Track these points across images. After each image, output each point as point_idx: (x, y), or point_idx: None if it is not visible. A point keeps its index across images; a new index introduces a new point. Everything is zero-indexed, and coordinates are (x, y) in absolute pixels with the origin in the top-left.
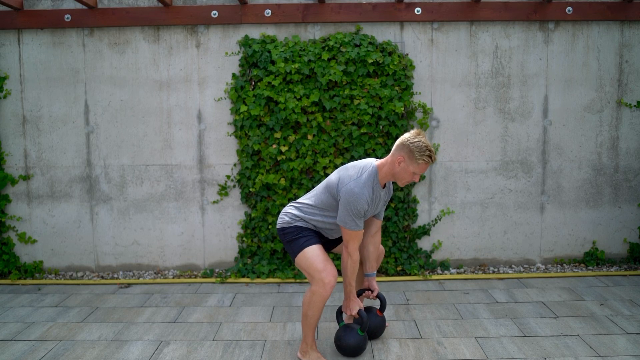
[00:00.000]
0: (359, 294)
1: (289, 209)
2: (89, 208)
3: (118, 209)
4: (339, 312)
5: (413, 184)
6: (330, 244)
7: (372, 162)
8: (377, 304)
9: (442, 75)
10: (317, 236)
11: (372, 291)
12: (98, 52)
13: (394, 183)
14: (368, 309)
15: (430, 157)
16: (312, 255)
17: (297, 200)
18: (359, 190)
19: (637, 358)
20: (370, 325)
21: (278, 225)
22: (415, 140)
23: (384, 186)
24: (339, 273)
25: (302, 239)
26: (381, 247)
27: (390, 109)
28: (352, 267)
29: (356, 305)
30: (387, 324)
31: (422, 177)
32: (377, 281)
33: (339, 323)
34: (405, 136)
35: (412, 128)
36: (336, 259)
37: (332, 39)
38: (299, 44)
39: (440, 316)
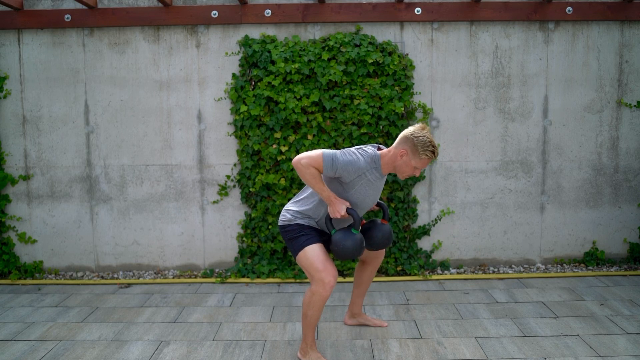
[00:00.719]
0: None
1: (291, 206)
2: (89, 208)
3: (118, 209)
4: (328, 220)
5: (413, 184)
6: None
7: (374, 148)
8: (379, 218)
9: (442, 75)
10: (319, 235)
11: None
12: (98, 52)
13: (393, 183)
14: (372, 221)
15: (433, 152)
16: (313, 254)
17: (297, 195)
18: (359, 156)
19: (637, 358)
20: (378, 236)
21: (280, 223)
22: (420, 134)
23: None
24: (339, 273)
25: (302, 237)
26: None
27: (391, 109)
28: (311, 173)
29: (342, 205)
30: (386, 324)
31: (422, 177)
32: (377, 281)
33: (330, 231)
34: (410, 130)
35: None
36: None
37: (332, 39)
38: (299, 44)
39: (440, 316)
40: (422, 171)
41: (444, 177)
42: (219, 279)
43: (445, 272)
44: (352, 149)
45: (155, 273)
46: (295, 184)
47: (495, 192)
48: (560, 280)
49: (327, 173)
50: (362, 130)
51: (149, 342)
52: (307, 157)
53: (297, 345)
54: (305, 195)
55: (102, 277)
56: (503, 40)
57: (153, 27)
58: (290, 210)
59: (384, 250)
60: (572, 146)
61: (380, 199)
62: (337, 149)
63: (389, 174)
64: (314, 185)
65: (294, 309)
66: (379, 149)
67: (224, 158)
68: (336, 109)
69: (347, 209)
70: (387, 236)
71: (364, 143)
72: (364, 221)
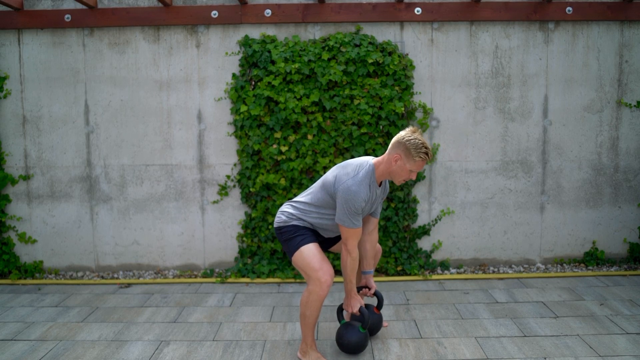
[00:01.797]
0: (356, 291)
1: (286, 207)
2: (89, 208)
3: (118, 209)
4: (340, 310)
5: (413, 184)
6: (328, 243)
7: (368, 160)
8: (374, 303)
9: (442, 75)
10: (314, 235)
11: (370, 289)
12: (98, 52)
13: (393, 183)
14: (365, 306)
15: (426, 154)
16: (309, 254)
17: (294, 199)
18: (356, 188)
19: (637, 358)
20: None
21: (275, 224)
22: (412, 137)
23: (380, 184)
24: (336, 272)
25: (298, 237)
26: (378, 245)
27: (391, 109)
28: (352, 265)
29: (357, 303)
30: (386, 324)
31: (422, 177)
32: (377, 281)
33: (339, 321)
34: (401, 134)
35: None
36: (336, 258)
37: (332, 39)
38: (299, 44)
39: (440, 316)
40: (422, 171)
41: (444, 177)
42: (219, 279)
43: (445, 272)
44: (347, 181)
45: (155, 273)
46: (295, 184)
47: (495, 192)
48: (560, 280)
49: (361, 224)
50: (362, 130)
51: (149, 342)
52: (351, 242)
53: (297, 345)
54: (302, 200)
55: (102, 277)
56: (503, 40)
57: (153, 27)
58: (286, 212)
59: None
60: (572, 146)
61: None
62: (337, 149)
63: None
64: (349, 276)
65: (294, 309)
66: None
67: (224, 158)
68: (336, 109)
69: (360, 307)
70: (375, 325)
71: (363, 143)
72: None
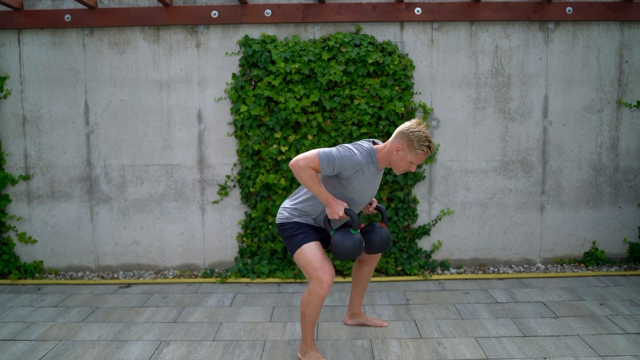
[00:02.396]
0: (359, 211)
1: (288, 203)
2: (89, 208)
3: (118, 209)
4: (327, 220)
5: (413, 184)
6: (329, 241)
7: (370, 143)
8: (377, 221)
9: (442, 75)
10: (316, 232)
11: (370, 204)
12: (98, 52)
13: (393, 183)
14: (370, 224)
15: (429, 147)
16: (310, 253)
17: (294, 193)
18: (356, 150)
19: (637, 358)
20: (377, 239)
21: (277, 221)
22: (416, 129)
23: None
24: (337, 272)
25: (300, 235)
26: None
27: (391, 109)
28: (309, 175)
29: (340, 206)
30: (386, 324)
31: (422, 177)
32: (377, 281)
33: (329, 232)
34: (406, 125)
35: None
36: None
37: (332, 39)
38: (299, 44)
39: (440, 316)
40: (422, 171)
41: (444, 177)
42: (219, 279)
43: (445, 272)
44: (348, 144)
45: (155, 273)
46: (295, 183)
47: (495, 192)
48: (560, 280)
49: (326, 172)
50: (362, 130)
51: (149, 342)
52: (303, 159)
53: (297, 345)
54: (302, 192)
55: (102, 277)
56: (503, 40)
57: (153, 27)
58: (288, 208)
59: None
60: (572, 146)
61: (380, 201)
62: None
63: (390, 174)
64: (312, 187)
65: (294, 309)
66: (375, 143)
67: (224, 158)
68: (336, 109)
69: (345, 209)
70: (385, 239)
71: None
72: (362, 225)
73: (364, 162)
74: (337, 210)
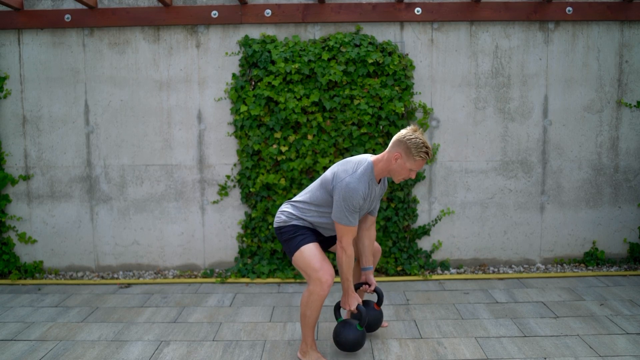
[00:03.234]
0: (356, 288)
1: (286, 207)
2: (89, 208)
3: (118, 209)
4: (337, 308)
5: (413, 184)
6: (328, 243)
7: (367, 157)
8: (374, 301)
9: (442, 75)
10: (314, 234)
11: (370, 285)
12: (98, 52)
13: (392, 183)
14: (365, 303)
15: (427, 153)
16: (309, 254)
17: (293, 199)
18: (355, 185)
19: (637, 358)
20: (367, 319)
21: (275, 225)
22: (413, 137)
23: (379, 182)
24: (336, 272)
25: (298, 237)
26: (378, 245)
27: (391, 109)
28: (347, 262)
29: (355, 300)
30: (386, 324)
31: (422, 177)
32: (378, 280)
33: (337, 319)
34: (402, 132)
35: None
36: (336, 257)
37: (332, 39)
38: (299, 44)
39: (440, 316)
40: (422, 171)
41: (444, 177)
42: (219, 279)
43: (445, 272)
44: (346, 179)
45: (155, 273)
46: (295, 183)
47: (495, 192)
48: (560, 280)
49: (357, 222)
50: (362, 130)
51: (149, 342)
52: (345, 239)
53: (297, 345)
54: (302, 199)
55: (102, 277)
56: (503, 40)
57: (153, 27)
58: (285, 211)
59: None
60: (572, 146)
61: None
62: (337, 149)
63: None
64: (345, 273)
65: (294, 309)
66: (373, 152)
67: (224, 158)
68: (336, 109)
69: (358, 305)
70: (375, 322)
71: (363, 143)
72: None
73: (366, 188)
74: (351, 303)
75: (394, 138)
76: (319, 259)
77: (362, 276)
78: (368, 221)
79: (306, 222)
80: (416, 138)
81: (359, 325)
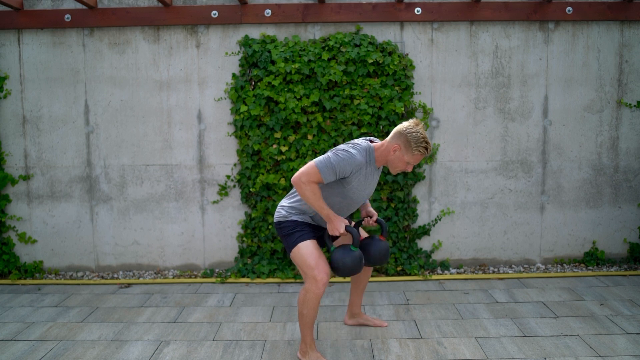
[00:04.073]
0: (358, 224)
1: (285, 201)
2: (89, 208)
3: (118, 209)
4: (327, 237)
5: (413, 184)
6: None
7: (367, 142)
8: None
9: (442, 75)
10: (313, 231)
11: (371, 217)
12: (98, 52)
13: (393, 182)
14: (370, 237)
15: (426, 148)
16: (306, 251)
17: (292, 192)
18: (354, 152)
19: (637, 358)
20: (375, 252)
21: (275, 219)
22: (414, 130)
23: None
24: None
25: (297, 233)
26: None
27: (391, 109)
28: (312, 189)
29: (341, 222)
30: (386, 324)
31: (422, 177)
32: (377, 281)
33: (329, 250)
34: (404, 125)
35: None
36: None
37: (332, 39)
38: (299, 44)
39: (440, 316)
40: (422, 171)
41: (444, 177)
42: (219, 279)
43: (445, 272)
44: (345, 145)
45: (155, 273)
46: None
47: (495, 192)
48: (560, 280)
49: (329, 180)
50: (362, 130)
51: (149, 342)
52: (305, 174)
53: (297, 345)
54: None
55: (102, 277)
56: (503, 40)
57: (153, 27)
58: (285, 206)
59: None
60: (572, 146)
61: (380, 201)
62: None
63: (390, 174)
64: (314, 203)
65: (294, 309)
66: (372, 141)
67: (224, 158)
68: (336, 109)
69: (346, 226)
70: (384, 253)
71: None
72: (362, 237)
73: (363, 161)
74: (338, 227)
75: (395, 129)
76: (315, 256)
77: (361, 211)
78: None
79: (306, 217)
80: (417, 132)
81: (353, 247)
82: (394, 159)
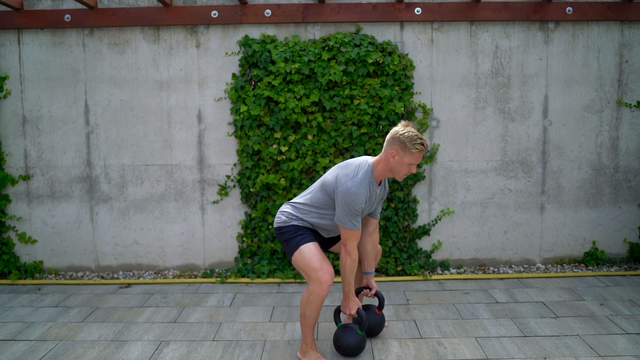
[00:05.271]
0: (357, 292)
1: (286, 207)
2: (89, 208)
3: (118, 209)
4: (337, 312)
5: (413, 184)
6: (328, 243)
7: (367, 159)
8: (375, 303)
9: (442, 75)
10: (314, 234)
11: (370, 289)
12: (98, 52)
13: (393, 182)
14: (366, 307)
15: (422, 144)
16: (309, 254)
17: (294, 200)
18: (356, 189)
19: (637, 358)
20: (369, 324)
21: (275, 225)
22: (405, 131)
23: (380, 184)
24: (336, 272)
25: (298, 237)
26: (378, 246)
27: (391, 109)
28: (351, 266)
29: (355, 305)
30: (386, 324)
31: (422, 177)
32: (377, 281)
33: (337, 323)
34: (395, 129)
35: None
36: (336, 258)
37: (332, 39)
38: (299, 44)
39: (440, 316)
40: (422, 171)
41: (444, 177)
42: (219, 279)
43: (445, 272)
44: (349, 179)
45: (155, 273)
46: (295, 184)
47: (495, 192)
48: (560, 280)
49: (360, 225)
50: (362, 130)
51: (149, 342)
52: (350, 243)
53: (297, 345)
54: (302, 200)
55: (102, 277)
56: (503, 40)
57: (153, 27)
58: (285, 212)
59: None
60: (572, 146)
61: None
62: (337, 149)
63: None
64: (347, 277)
65: (294, 309)
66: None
67: (224, 158)
68: (336, 109)
69: (358, 309)
70: (378, 326)
71: (363, 143)
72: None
73: (367, 191)
74: (351, 307)
75: (388, 137)
76: (318, 258)
77: (363, 280)
78: (371, 226)
79: (306, 223)
80: (409, 132)
81: (359, 330)
82: (395, 165)
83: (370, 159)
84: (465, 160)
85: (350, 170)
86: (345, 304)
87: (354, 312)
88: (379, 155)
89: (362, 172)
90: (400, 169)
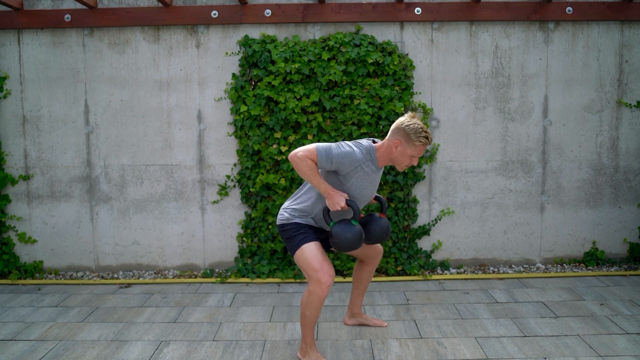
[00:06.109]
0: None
1: (288, 204)
2: (89, 208)
3: (118, 209)
4: (326, 212)
5: (413, 184)
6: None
7: (370, 141)
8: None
9: (442, 75)
10: (316, 233)
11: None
12: (98, 52)
13: (393, 182)
14: (370, 215)
15: (427, 138)
16: (310, 254)
17: (294, 194)
18: (355, 148)
19: (637, 358)
20: (376, 229)
21: (278, 222)
22: (411, 123)
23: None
24: (337, 273)
25: (300, 235)
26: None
27: (391, 109)
28: (308, 166)
29: (341, 196)
30: (386, 324)
31: (422, 177)
32: (377, 281)
33: (328, 224)
34: (400, 120)
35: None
36: (337, 258)
37: (332, 39)
38: (299, 44)
39: (440, 316)
40: (422, 171)
41: (444, 177)
42: (219, 279)
43: (445, 272)
44: (348, 142)
45: (155, 273)
46: (295, 183)
47: (495, 192)
48: (560, 280)
49: (323, 165)
50: (362, 130)
51: (149, 342)
52: (302, 150)
53: (297, 345)
54: (302, 192)
55: (102, 277)
56: (503, 40)
57: (153, 27)
58: (288, 209)
59: (382, 249)
60: (572, 146)
61: (379, 195)
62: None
63: (390, 174)
64: (311, 178)
65: (294, 309)
66: (374, 142)
67: (224, 158)
68: (336, 109)
69: (347, 200)
70: (385, 230)
71: None
72: (362, 215)
73: (362, 159)
74: (338, 200)
75: (393, 126)
76: (319, 259)
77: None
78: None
79: (309, 219)
80: (415, 124)
81: (354, 220)
82: (397, 155)
83: (372, 142)
84: (465, 160)
85: (353, 141)
86: (331, 201)
87: (343, 204)
88: (381, 142)
89: (365, 145)
90: (401, 160)
